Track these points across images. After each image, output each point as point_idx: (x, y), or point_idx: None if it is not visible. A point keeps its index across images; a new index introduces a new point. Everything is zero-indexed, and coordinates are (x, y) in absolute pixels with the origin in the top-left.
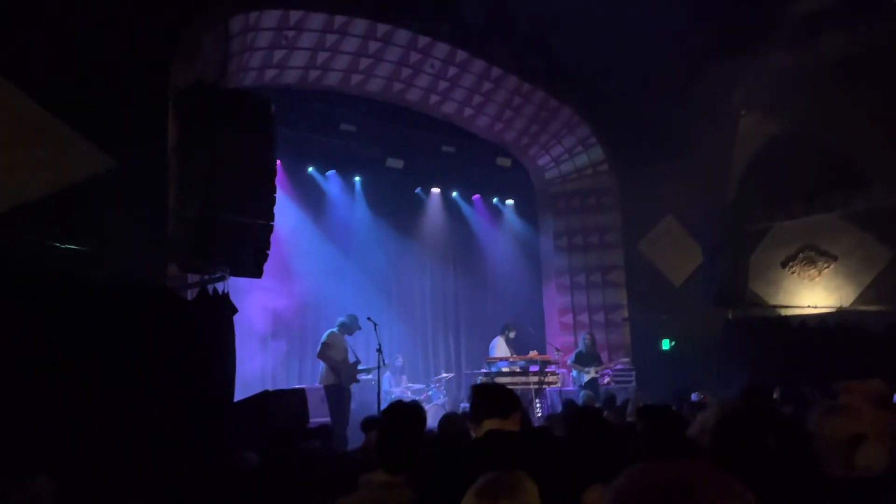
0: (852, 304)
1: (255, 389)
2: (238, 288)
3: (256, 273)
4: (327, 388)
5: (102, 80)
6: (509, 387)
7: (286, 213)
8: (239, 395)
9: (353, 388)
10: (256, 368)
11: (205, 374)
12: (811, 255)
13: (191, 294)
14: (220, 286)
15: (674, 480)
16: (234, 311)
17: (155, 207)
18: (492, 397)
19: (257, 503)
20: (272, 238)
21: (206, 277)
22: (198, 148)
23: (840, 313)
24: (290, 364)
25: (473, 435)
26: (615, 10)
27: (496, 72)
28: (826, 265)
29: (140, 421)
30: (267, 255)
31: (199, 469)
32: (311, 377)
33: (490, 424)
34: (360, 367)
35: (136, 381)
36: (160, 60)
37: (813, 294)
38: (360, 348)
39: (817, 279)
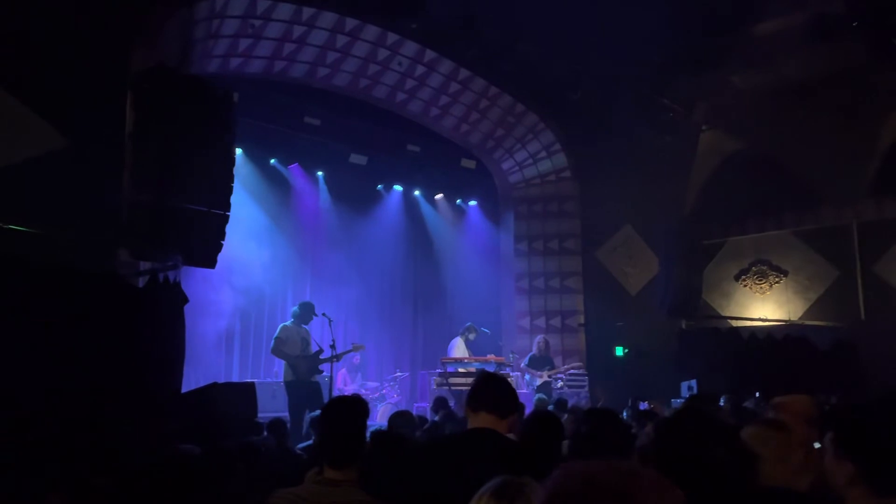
0: (800, 318)
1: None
2: (195, 277)
3: (210, 263)
4: (287, 385)
5: (60, 60)
6: (462, 388)
7: (246, 204)
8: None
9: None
10: (210, 363)
11: (150, 364)
12: (763, 269)
13: (142, 281)
14: (171, 274)
15: (605, 479)
16: (186, 300)
17: (108, 191)
18: (496, 391)
19: (197, 496)
20: (228, 228)
21: (158, 265)
22: (155, 133)
23: (788, 327)
24: (245, 358)
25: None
26: (584, 20)
27: (464, 73)
28: (777, 280)
29: (78, 410)
30: (221, 245)
31: (139, 462)
32: (265, 372)
33: (484, 419)
34: (322, 357)
35: (76, 369)
36: (120, 43)
37: (764, 307)
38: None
39: (768, 293)
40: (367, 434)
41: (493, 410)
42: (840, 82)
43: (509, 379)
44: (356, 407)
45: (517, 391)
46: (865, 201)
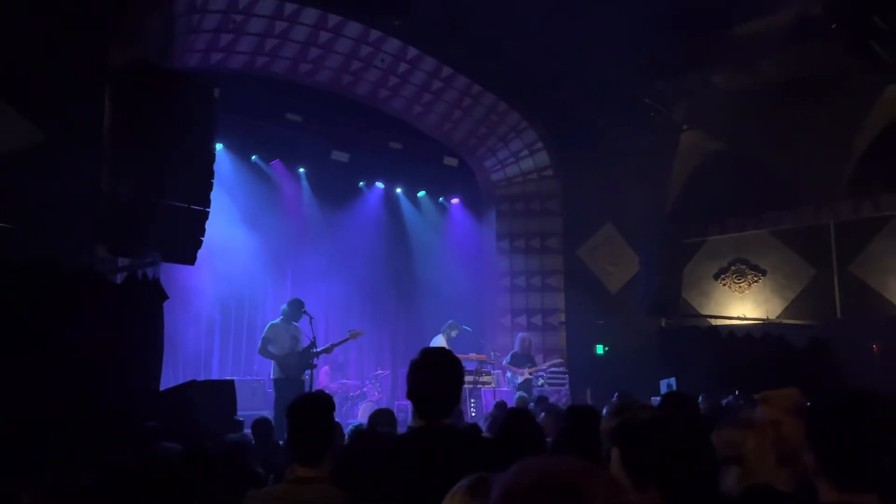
0: (778, 317)
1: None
2: (174, 275)
3: (189, 259)
4: (275, 382)
5: (37, 54)
6: None
7: (227, 200)
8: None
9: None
10: (189, 360)
11: (128, 362)
12: (742, 268)
13: (120, 278)
14: (150, 271)
15: (558, 475)
16: (165, 297)
17: (86, 187)
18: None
19: (175, 496)
20: (208, 224)
21: (137, 261)
22: (134, 128)
23: (766, 325)
24: (225, 355)
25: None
26: (567, 20)
27: (447, 71)
28: (755, 279)
29: (53, 409)
30: (201, 241)
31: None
32: (245, 369)
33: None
34: (314, 350)
35: (51, 366)
36: (99, 37)
37: (742, 306)
38: None
39: (747, 292)
40: (346, 431)
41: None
42: (819, 83)
43: (490, 377)
44: (320, 403)
45: (498, 389)
46: (843, 202)
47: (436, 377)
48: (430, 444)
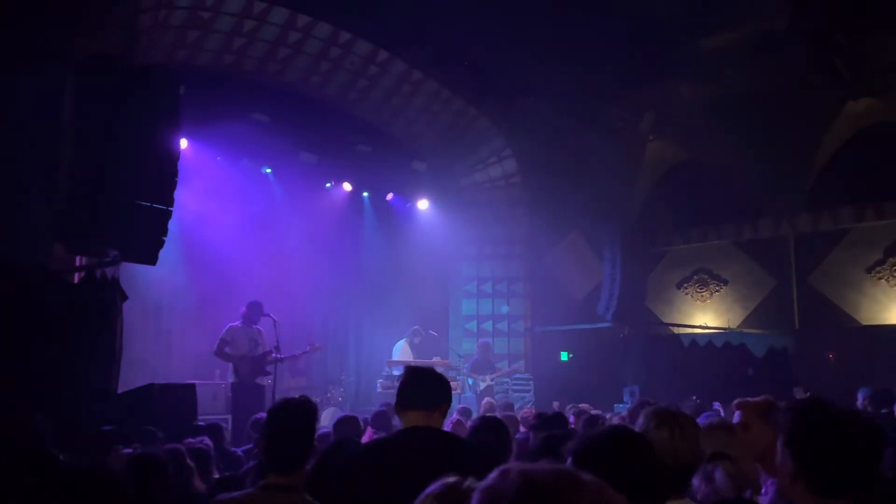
0: (739, 326)
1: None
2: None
3: (151, 259)
4: (231, 386)
5: None
6: None
7: (191, 199)
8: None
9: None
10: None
11: (84, 363)
12: (704, 278)
13: (77, 277)
14: (109, 270)
15: (543, 481)
16: (125, 297)
17: (43, 182)
18: (420, 385)
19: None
20: (172, 223)
21: (95, 261)
22: (95, 124)
23: (728, 334)
24: (184, 358)
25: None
26: (537, 29)
27: (417, 75)
28: (717, 288)
29: (5, 410)
30: (163, 241)
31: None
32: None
33: (414, 417)
34: (274, 357)
35: (4, 367)
36: (60, 29)
37: (704, 315)
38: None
39: (709, 301)
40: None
41: (420, 407)
42: (781, 97)
43: (454, 382)
44: (304, 410)
45: (462, 395)
46: (802, 214)
47: (429, 379)
48: (392, 449)
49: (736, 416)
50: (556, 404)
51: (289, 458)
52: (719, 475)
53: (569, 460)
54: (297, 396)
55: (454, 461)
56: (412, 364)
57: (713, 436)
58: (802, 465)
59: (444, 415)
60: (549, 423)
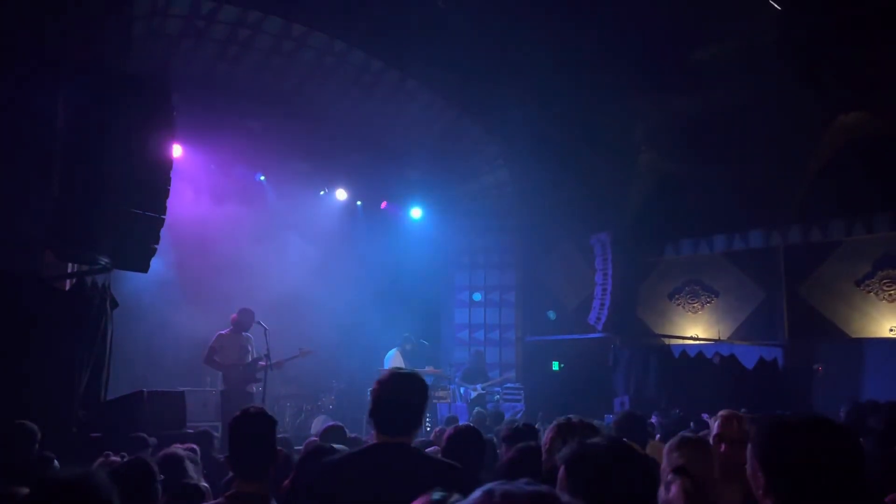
0: (729, 337)
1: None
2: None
3: (142, 267)
4: (221, 394)
5: None
6: None
7: (185, 206)
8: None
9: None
10: (137, 369)
11: (73, 369)
12: (696, 289)
13: (69, 284)
14: (100, 278)
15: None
16: (115, 304)
17: (35, 190)
18: (390, 415)
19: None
20: (165, 230)
21: (86, 268)
22: (88, 130)
23: (718, 345)
24: (177, 365)
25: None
26: (530, 39)
27: (411, 84)
28: (708, 300)
29: None
30: (155, 248)
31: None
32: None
33: (383, 438)
34: (262, 364)
35: None
36: (53, 36)
37: (695, 326)
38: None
39: (700, 312)
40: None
41: (390, 434)
42: (771, 110)
43: (446, 391)
44: (261, 420)
45: (453, 404)
46: (792, 226)
47: (403, 394)
48: (386, 461)
49: (714, 428)
50: (540, 414)
51: (252, 467)
52: (674, 489)
53: (561, 468)
54: (254, 407)
55: (422, 477)
56: (385, 380)
57: (681, 450)
58: (772, 479)
59: (413, 437)
60: (519, 435)
